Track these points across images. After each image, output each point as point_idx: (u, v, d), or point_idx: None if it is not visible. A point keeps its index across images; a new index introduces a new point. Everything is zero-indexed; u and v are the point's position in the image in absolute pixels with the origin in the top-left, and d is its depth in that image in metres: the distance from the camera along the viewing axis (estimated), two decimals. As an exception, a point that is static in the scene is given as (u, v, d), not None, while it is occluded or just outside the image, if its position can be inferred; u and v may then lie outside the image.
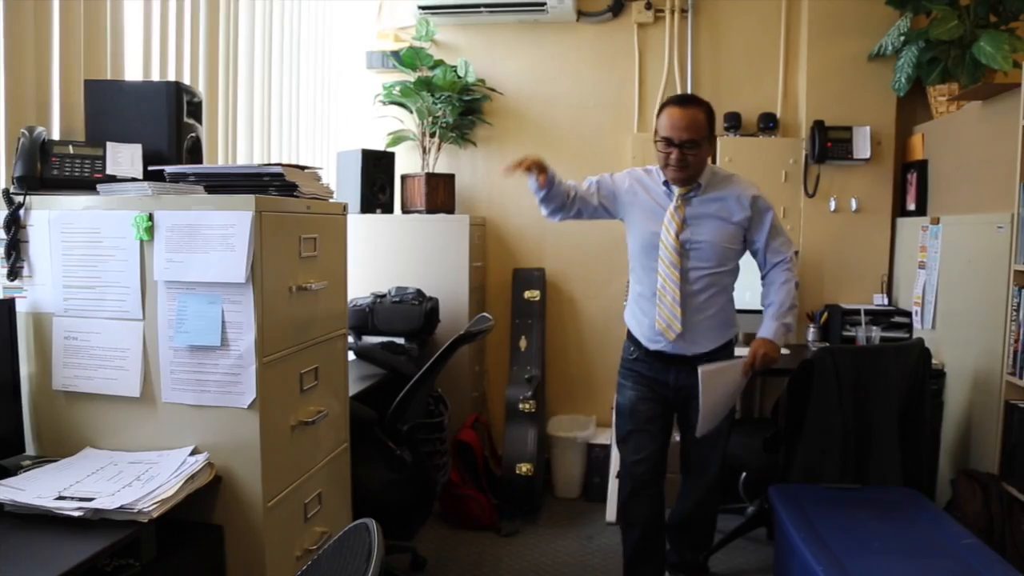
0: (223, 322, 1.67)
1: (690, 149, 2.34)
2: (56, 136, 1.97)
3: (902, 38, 3.39)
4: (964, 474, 2.72)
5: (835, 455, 2.58)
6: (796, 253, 2.59)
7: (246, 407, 1.68)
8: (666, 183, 2.49)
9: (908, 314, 3.46)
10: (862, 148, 3.59)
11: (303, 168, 1.93)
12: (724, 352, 2.59)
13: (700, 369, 2.36)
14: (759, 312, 3.48)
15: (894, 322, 3.47)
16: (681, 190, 2.46)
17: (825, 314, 3.63)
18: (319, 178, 2.03)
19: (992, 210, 2.80)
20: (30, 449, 1.77)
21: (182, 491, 1.54)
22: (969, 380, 2.93)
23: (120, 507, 1.42)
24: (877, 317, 3.49)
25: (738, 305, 3.50)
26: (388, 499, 2.43)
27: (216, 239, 1.66)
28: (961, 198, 3.15)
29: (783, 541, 2.29)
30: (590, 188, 2.57)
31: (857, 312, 3.50)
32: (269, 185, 1.80)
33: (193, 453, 1.69)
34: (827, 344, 3.53)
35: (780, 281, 2.53)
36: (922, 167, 3.49)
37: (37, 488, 1.49)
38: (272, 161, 3.10)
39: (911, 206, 3.58)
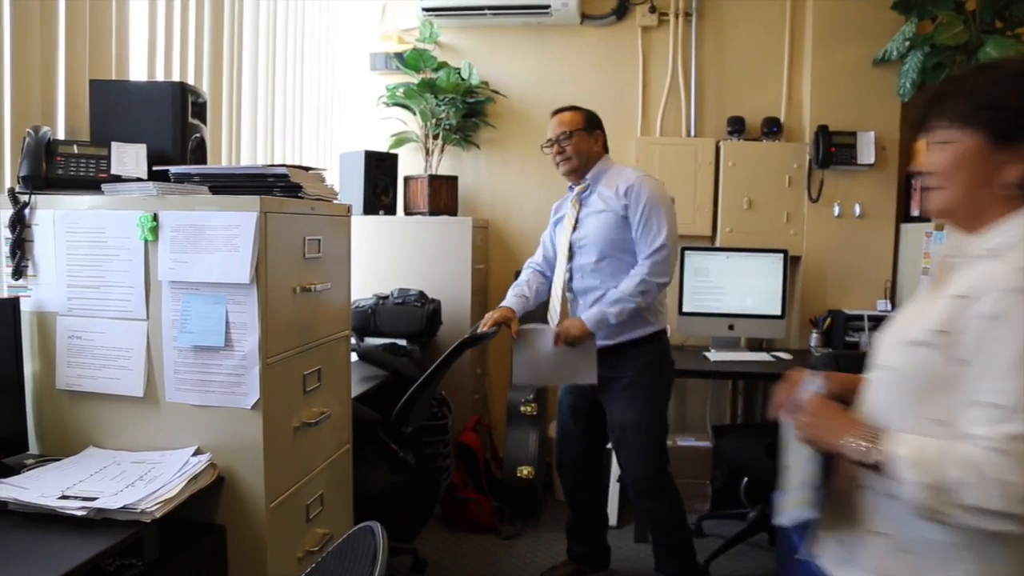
0: (227, 323, 1.66)
1: (565, 140, 2.64)
2: (61, 136, 1.97)
3: (907, 43, 3.38)
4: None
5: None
6: (662, 247, 2.51)
7: (249, 408, 1.68)
8: (571, 187, 2.74)
9: (911, 320, 3.45)
10: (866, 153, 3.59)
11: (308, 169, 1.93)
12: (643, 346, 2.60)
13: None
14: (761, 317, 3.53)
15: (897, 328, 3.46)
16: (578, 189, 2.69)
17: (828, 319, 3.63)
18: (323, 179, 2.03)
19: (996, 216, 2.79)
20: (33, 448, 1.77)
21: (185, 491, 1.54)
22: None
23: (123, 507, 1.41)
24: (880, 323, 3.47)
25: (738, 310, 3.55)
26: (390, 501, 2.42)
27: (220, 239, 1.65)
28: (965, 204, 3.14)
29: (786, 547, 2.29)
30: (545, 248, 2.87)
31: (860, 318, 3.49)
32: (274, 186, 1.80)
33: (196, 453, 1.69)
34: (830, 349, 3.53)
35: (631, 275, 2.54)
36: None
37: (40, 487, 1.49)
38: (275, 162, 3.11)
39: (915, 212, 3.57)
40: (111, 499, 1.44)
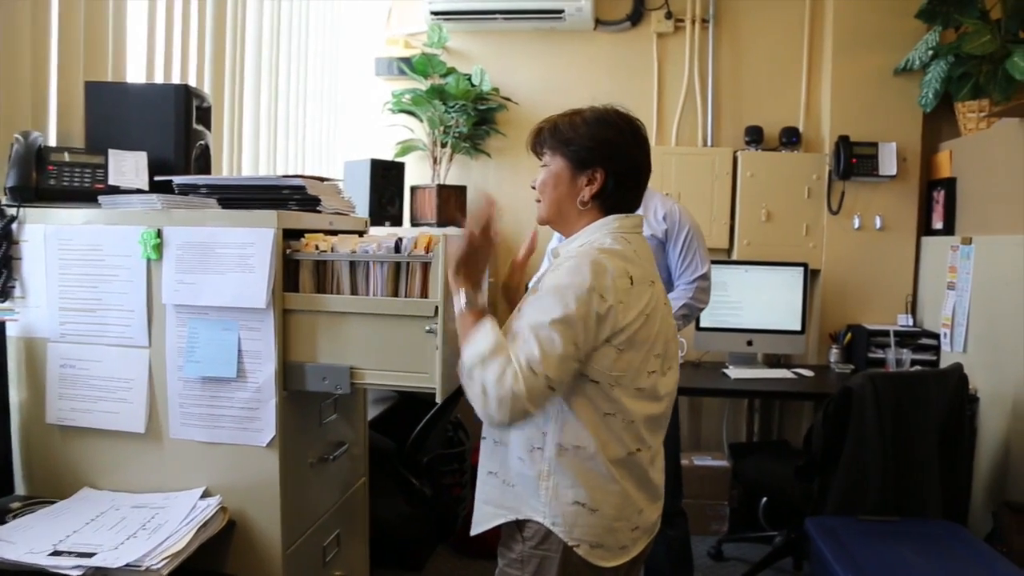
0: (240, 351, 1.51)
1: None
2: (53, 142, 1.81)
3: (930, 52, 3.30)
4: (1007, 506, 2.60)
5: (873, 486, 2.46)
6: (705, 276, 2.52)
7: (264, 445, 1.52)
8: None
9: (936, 336, 3.34)
10: (888, 164, 3.50)
11: (323, 180, 1.78)
12: None
13: None
14: (779, 332, 3.41)
15: (921, 344, 3.36)
16: None
17: (848, 334, 3.52)
18: (340, 191, 1.88)
19: (1029, 230, 2.69)
20: (20, 489, 1.61)
21: (194, 542, 1.38)
22: (1007, 406, 2.81)
23: (125, 565, 1.25)
24: (903, 339, 3.38)
25: (756, 325, 3.43)
26: (406, 532, 2.27)
27: (233, 259, 1.50)
28: (992, 217, 3.04)
29: (816, 572, 2.16)
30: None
31: (884, 333, 3.38)
32: (289, 199, 1.65)
33: (204, 495, 1.53)
34: (851, 366, 3.43)
35: (671, 297, 2.47)
36: (950, 185, 3.39)
37: (29, 540, 1.32)
38: (277, 171, 2.95)
39: (937, 225, 3.48)
40: (111, 554, 1.27)
